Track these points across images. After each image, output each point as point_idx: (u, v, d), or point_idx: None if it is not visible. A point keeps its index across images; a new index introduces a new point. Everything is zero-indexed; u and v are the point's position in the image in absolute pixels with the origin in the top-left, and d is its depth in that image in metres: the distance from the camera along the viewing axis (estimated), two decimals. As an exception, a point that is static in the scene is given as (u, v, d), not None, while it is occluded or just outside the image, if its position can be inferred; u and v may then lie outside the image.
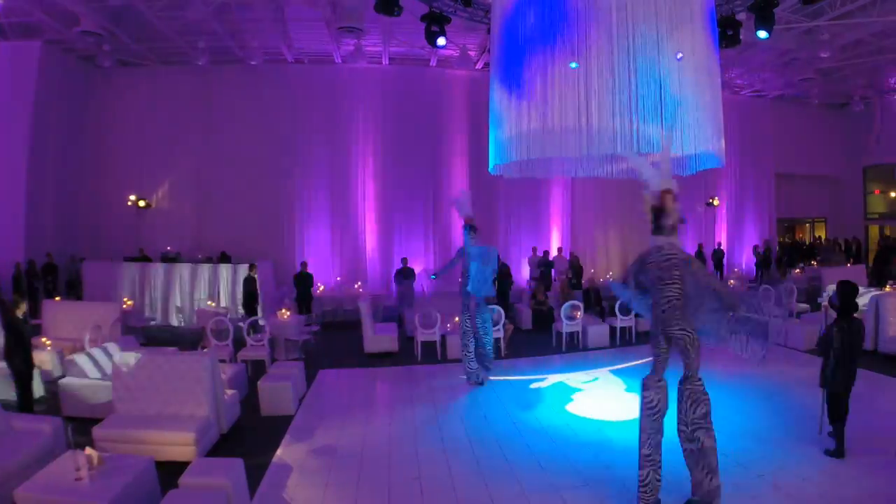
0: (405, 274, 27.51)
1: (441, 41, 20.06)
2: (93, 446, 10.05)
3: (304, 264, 26.37)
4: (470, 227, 16.89)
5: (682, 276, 9.13)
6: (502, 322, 20.54)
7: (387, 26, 25.71)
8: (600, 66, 11.71)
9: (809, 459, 11.23)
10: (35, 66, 26.64)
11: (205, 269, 25.25)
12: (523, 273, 31.58)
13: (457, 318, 20.83)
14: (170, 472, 9.92)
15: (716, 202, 37.45)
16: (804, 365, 17.88)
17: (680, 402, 9.44)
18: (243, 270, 23.92)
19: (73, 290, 25.79)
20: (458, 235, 31.27)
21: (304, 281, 25.64)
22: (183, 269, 25.23)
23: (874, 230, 42.38)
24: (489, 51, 16.58)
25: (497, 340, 20.34)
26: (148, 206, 29.96)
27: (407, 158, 31.60)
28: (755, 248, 35.64)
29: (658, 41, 11.79)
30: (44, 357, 16.87)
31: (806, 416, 13.08)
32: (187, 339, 20.16)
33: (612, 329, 22.25)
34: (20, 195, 26.60)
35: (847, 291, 11.35)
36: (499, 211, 32.97)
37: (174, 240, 29.14)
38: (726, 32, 19.39)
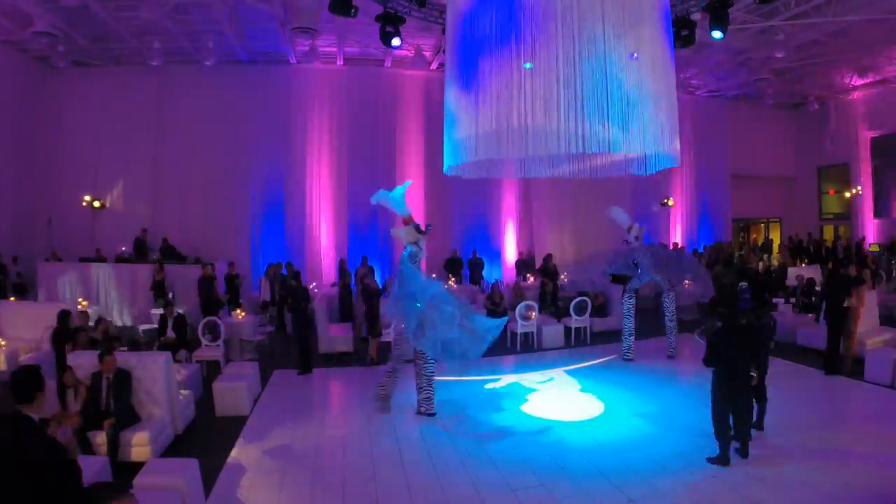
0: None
1: (396, 42, 19.99)
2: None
3: (269, 265, 26.53)
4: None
5: None
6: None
7: (342, 27, 25.58)
8: (554, 67, 11.68)
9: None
10: (-11, 67, 26.31)
11: (160, 270, 25.03)
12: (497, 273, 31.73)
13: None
14: (125, 472, 9.94)
15: (671, 202, 37.58)
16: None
17: None
18: (199, 270, 23.76)
19: (20, 292, 25.47)
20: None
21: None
22: (137, 270, 25.05)
23: (829, 230, 42.66)
24: (444, 51, 16.55)
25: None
26: (102, 206, 29.67)
27: (362, 159, 31.56)
28: (695, 250, 35.70)
29: (613, 42, 11.79)
30: (-2, 357, 16.77)
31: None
32: (142, 340, 20.03)
33: (568, 329, 22.32)
34: (-26, 196, 26.23)
35: (725, 292, 11.94)
36: (453, 211, 33.00)
37: (129, 240, 28.80)
38: (681, 32, 19.43)
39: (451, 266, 30.54)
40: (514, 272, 31.91)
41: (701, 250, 35.22)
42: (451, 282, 28.13)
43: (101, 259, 27.13)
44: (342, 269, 27.36)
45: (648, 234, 34.78)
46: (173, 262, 26.50)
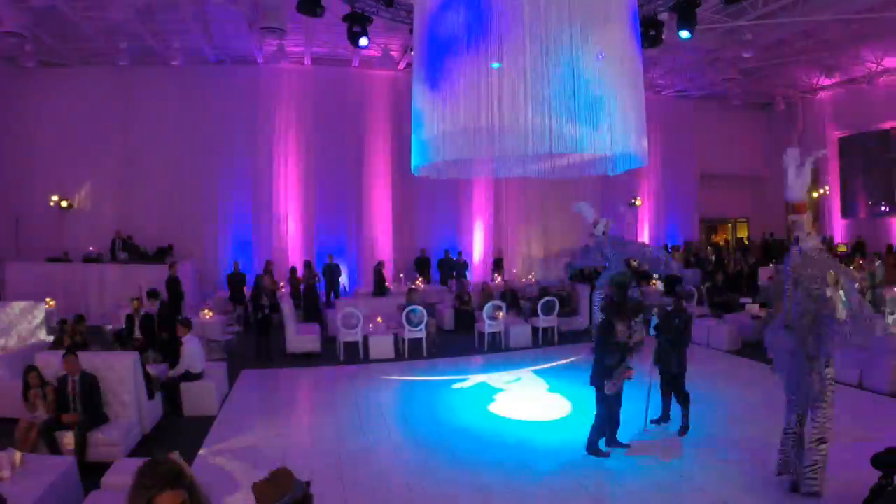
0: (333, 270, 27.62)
1: (363, 41, 19.95)
2: (14, 446, 9.95)
3: (236, 264, 26.66)
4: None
5: None
6: (425, 321, 20.53)
7: (309, 26, 25.48)
8: (522, 66, 11.66)
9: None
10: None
11: (128, 269, 24.93)
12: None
13: (380, 319, 20.87)
14: (92, 472, 9.87)
15: (638, 202, 37.68)
16: (730, 365, 18.24)
17: None
18: (163, 270, 23.70)
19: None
20: (382, 235, 31.46)
21: (237, 281, 25.87)
22: (105, 269, 24.96)
23: (796, 230, 42.73)
24: (411, 51, 16.52)
25: (420, 341, 20.59)
26: (70, 206, 29.47)
27: (330, 158, 31.55)
28: (667, 247, 35.78)
29: (580, 41, 11.77)
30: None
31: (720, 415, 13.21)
32: (110, 340, 19.91)
33: (535, 329, 22.30)
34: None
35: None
36: (420, 211, 33.04)
37: (97, 240, 28.63)
38: (648, 32, 19.45)
39: (420, 266, 30.55)
40: (483, 272, 31.91)
41: (669, 248, 35.31)
42: (419, 282, 28.13)
43: (66, 259, 26.98)
44: (309, 269, 27.34)
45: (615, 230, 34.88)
46: (140, 262, 26.40)
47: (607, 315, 11.97)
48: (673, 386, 12.99)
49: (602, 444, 11.86)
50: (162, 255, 28.09)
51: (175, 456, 4.61)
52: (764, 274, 26.41)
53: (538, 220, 34.34)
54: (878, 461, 8.42)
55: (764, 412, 13.62)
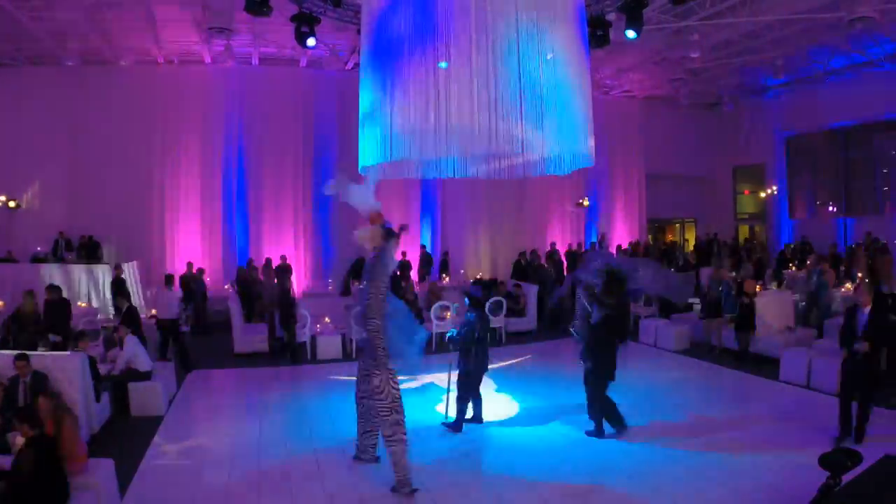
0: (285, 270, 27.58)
1: (311, 42, 19.97)
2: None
3: (189, 265, 26.68)
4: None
5: None
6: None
7: (257, 27, 25.35)
8: (469, 66, 11.65)
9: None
10: None
11: (74, 270, 24.79)
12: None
13: (327, 319, 20.85)
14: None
15: (586, 203, 37.75)
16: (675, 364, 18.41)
17: None
18: (107, 270, 23.62)
19: None
20: (332, 234, 31.49)
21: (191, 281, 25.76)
22: (52, 270, 24.77)
23: (744, 230, 43.12)
24: (359, 51, 16.49)
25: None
26: (18, 206, 29.21)
27: (278, 159, 31.54)
28: (619, 246, 35.94)
29: (528, 41, 11.77)
30: None
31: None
32: (58, 340, 19.78)
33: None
34: None
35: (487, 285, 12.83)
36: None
37: (44, 240, 28.43)
38: (596, 32, 19.52)
39: (356, 267, 30.57)
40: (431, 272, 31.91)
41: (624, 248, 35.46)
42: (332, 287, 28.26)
43: (12, 259, 26.76)
44: (283, 270, 27.36)
45: (563, 233, 35.05)
46: (87, 262, 26.22)
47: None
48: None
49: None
50: (93, 253, 28.08)
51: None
52: (705, 274, 26.47)
53: (486, 220, 34.41)
54: (825, 461, 8.46)
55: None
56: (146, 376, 14.88)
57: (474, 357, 13.85)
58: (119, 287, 22.51)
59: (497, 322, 22.35)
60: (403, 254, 30.67)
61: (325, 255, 32.27)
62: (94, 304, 24.15)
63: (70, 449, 9.15)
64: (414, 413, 14.51)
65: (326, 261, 32.14)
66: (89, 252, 28.15)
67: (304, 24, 19.66)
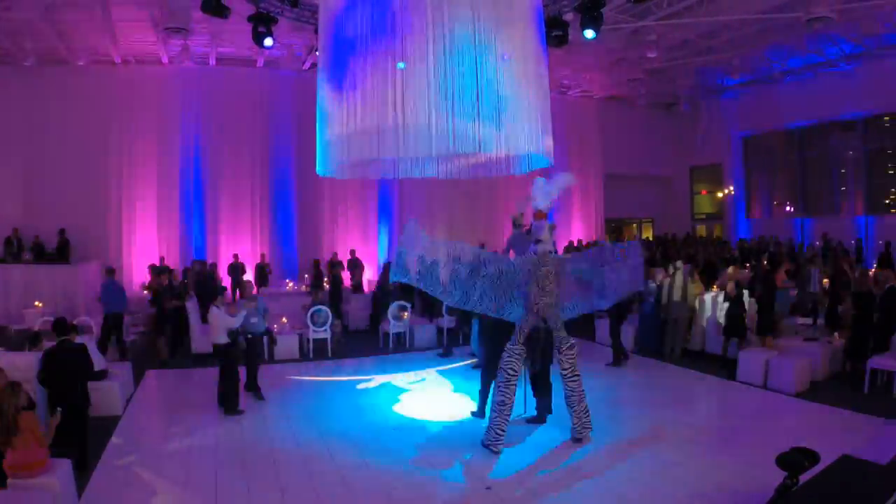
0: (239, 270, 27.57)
1: (268, 42, 19.93)
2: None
3: (162, 259, 26.48)
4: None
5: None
6: (329, 322, 20.52)
7: (214, 27, 25.26)
8: (427, 67, 11.63)
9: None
10: None
11: (32, 270, 24.65)
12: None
13: (284, 319, 20.81)
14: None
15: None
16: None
17: None
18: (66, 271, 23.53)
19: None
20: (287, 235, 31.45)
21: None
22: (10, 270, 24.62)
23: (701, 230, 43.34)
24: (316, 51, 16.45)
25: (325, 341, 20.65)
26: (-28, 207, 28.93)
27: (235, 159, 31.53)
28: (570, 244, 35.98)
29: (485, 41, 11.77)
30: None
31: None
32: (14, 340, 19.65)
33: (440, 329, 22.24)
34: None
35: None
36: (324, 211, 33.18)
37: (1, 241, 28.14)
38: (553, 32, 19.54)
39: (333, 266, 30.52)
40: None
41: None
42: (290, 287, 28.21)
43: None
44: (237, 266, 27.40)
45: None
46: (43, 263, 26.11)
47: None
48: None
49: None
50: (63, 251, 27.90)
51: None
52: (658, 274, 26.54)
53: (444, 220, 34.42)
54: (782, 461, 8.49)
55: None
56: (100, 376, 14.77)
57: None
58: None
59: (453, 322, 22.37)
60: (352, 251, 30.64)
61: (283, 253, 32.31)
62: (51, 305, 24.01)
63: (28, 439, 9.05)
64: (367, 413, 14.59)
65: (286, 260, 32.11)
66: (60, 250, 28.04)
67: (262, 24, 19.62)
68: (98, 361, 14.96)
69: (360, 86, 12.26)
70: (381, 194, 34.24)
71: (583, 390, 12.51)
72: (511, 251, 15.23)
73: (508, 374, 12.12)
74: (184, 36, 25.15)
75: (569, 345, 12.51)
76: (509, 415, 12.20)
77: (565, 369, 12.40)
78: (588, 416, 12.52)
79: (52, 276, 24.57)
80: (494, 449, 11.77)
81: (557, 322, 12.49)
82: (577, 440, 12.34)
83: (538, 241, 12.46)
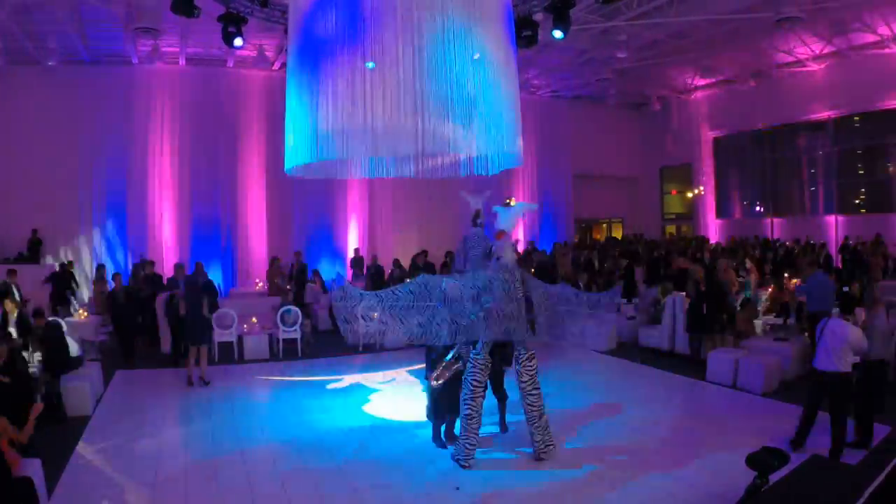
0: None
1: (238, 42, 19.82)
2: None
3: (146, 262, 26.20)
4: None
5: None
6: (300, 322, 20.52)
7: (184, 27, 25.15)
8: (396, 67, 11.64)
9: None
10: None
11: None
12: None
13: (254, 319, 20.77)
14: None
15: (513, 202, 37.78)
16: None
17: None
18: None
19: None
20: (257, 235, 31.45)
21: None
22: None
23: (671, 230, 43.47)
24: (286, 51, 16.44)
25: (295, 341, 20.69)
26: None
27: (205, 159, 31.50)
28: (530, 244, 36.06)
29: (455, 41, 11.78)
30: None
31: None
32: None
33: (409, 329, 22.28)
34: None
35: None
36: (294, 212, 33.21)
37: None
38: (523, 33, 19.55)
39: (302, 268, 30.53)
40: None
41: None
42: (259, 286, 28.22)
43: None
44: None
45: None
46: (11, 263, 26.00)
47: None
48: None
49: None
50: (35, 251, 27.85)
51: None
52: (639, 275, 26.61)
53: (413, 220, 34.47)
54: (752, 461, 8.52)
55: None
56: (76, 363, 14.74)
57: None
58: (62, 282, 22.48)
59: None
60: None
61: (253, 254, 32.22)
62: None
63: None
64: (338, 414, 14.58)
65: (255, 261, 32.00)
66: (31, 250, 28.12)
67: (231, 24, 19.53)
68: (74, 349, 15.00)
69: (329, 86, 12.26)
70: (350, 194, 34.20)
71: (543, 404, 11.74)
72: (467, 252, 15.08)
73: (473, 387, 11.53)
74: (154, 36, 25.16)
75: (528, 355, 11.75)
76: (478, 428, 11.67)
77: (524, 381, 11.69)
78: (549, 432, 11.80)
79: (21, 277, 24.45)
80: (464, 464, 11.34)
81: (523, 332, 11.81)
82: (540, 459, 11.59)
83: (499, 259, 11.82)
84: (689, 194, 41.41)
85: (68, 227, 29.61)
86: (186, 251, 30.71)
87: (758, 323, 20.22)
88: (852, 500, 7.73)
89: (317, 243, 32.55)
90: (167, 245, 31.01)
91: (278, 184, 30.93)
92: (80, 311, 21.30)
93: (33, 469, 9.31)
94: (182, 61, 30.53)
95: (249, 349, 20.10)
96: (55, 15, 23.81)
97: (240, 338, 20.39)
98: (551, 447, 11.72)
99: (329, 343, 22.07)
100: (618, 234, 44.87)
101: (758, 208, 38.17)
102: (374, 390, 16.34)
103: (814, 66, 32.67)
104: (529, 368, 11.73)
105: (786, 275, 23.37)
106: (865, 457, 10.91)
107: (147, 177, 30.78)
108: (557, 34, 19.76)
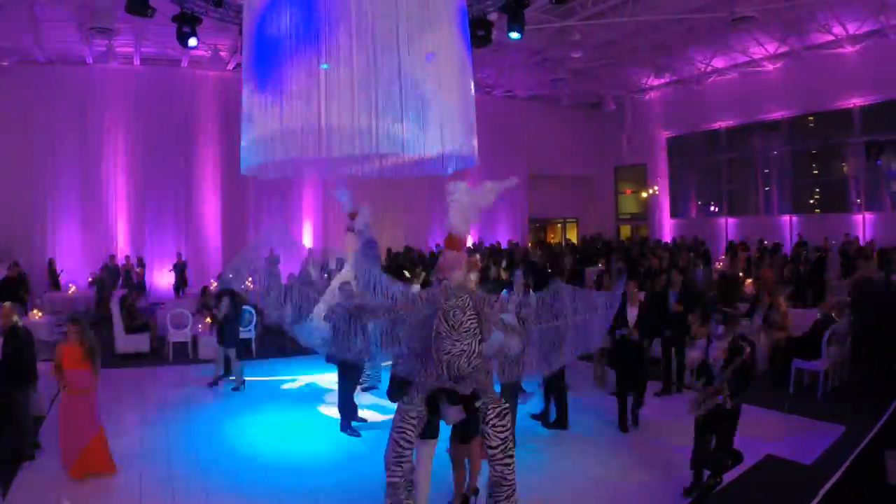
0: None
1: (192, 42, 19.75)
2: None
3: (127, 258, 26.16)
4: None
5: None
6: (254, 322, 20.52)
7: (139, 27, 25.13)
8: (350, 67, 11.66)
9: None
10: None
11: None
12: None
13: (208, 319, 20.75)
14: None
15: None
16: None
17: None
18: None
19: None
20: (212, 236, 31.46)
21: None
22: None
23: (626, 230, 43.66)
24: (241, 51, 16.43)
25: (249, 341, 20.67)
26: None
27: (160, 159, 31.43)
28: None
29: (409, 41, 11.81)
30: None
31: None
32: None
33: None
34: None
35: None
36: (249, 212, 33.37)
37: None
38: (477, 33, 19.58)
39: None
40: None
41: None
42: (213, 286, 28.32)
43: None
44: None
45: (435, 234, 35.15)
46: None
47: None
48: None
49: None
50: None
51: None
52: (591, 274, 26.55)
53: (370, 221, 34.55)
54: (706, 460, 8.61)
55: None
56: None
57: None
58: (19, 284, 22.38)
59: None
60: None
61: (210, 253, 32.25)
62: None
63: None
64: (292, 413, 14.60)
65: (212, 259, 31.94)
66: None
67: (186, 24, 19.47)
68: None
69: (283, 86, 12.27)
70: (305, 194, 34.26)
71: (514, 479, 8.41)
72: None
73: (401, 448, 8.46)
74: (108, 36, 25.00)
75: (498, 412, 8.43)
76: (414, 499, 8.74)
77: (493, 447, 8.35)
78: None
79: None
80: None
81: (480, 380, 8.50)
82: None
83: (442, 280, 8.80)
84: (644, 194, 41.59)
85: (21, 229, 29.27)
86: (142, 251, 30.63)
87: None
88: (806, 499, 7.84)
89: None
90: (122, 244, 30.91)
91: (233, 183, 31.09)
92: (35, 312, 21.14)
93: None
94: (137, 61, 30.44)
95: (204, 349, 19.93)
96: (9, 14, 23.66)
97: (194, 337, 20.42)
98: None
99: (284, 342, 22.11)
100: (573, 234, 45.00)
101: (713, 208, 38.38)
102: (330, 390, 16.23)
103: (769, 66, 32.93)
104: (500, 429, 8.42)
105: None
106: (820, 456, 10.99)
107: (101, 177, 30.69)
108: (514, 35, 19.81)
